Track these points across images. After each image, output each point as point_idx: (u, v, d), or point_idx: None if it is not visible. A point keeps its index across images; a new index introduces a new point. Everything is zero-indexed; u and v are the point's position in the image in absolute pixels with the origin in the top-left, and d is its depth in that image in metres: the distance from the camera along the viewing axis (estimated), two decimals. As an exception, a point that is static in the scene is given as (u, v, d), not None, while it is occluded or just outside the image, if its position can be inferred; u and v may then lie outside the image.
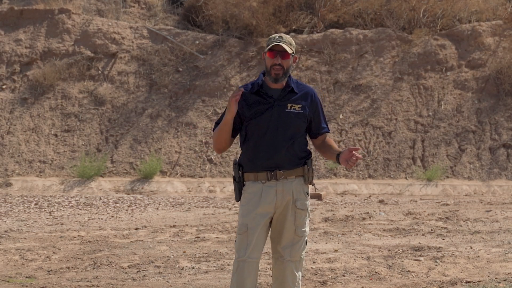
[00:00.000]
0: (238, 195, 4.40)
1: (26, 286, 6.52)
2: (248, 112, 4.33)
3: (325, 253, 7.90)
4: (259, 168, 4.32)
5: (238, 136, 4.48)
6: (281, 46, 4.27)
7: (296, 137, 4.35)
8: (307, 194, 4.42)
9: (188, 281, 6.70)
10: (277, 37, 4.31)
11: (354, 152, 4.28)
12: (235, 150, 15.29)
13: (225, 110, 4.33)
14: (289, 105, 4.33)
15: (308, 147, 4.48)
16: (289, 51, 4.28)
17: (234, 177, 4.41)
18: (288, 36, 4.37)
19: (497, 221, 10.19)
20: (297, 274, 4.36)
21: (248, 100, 4.34)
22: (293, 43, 4.37)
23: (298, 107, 4.35)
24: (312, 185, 4.46)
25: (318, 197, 12.84)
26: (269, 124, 4.31)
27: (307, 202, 4.40)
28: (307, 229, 4.40)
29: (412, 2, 17.26)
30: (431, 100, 15.91)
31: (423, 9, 17.28)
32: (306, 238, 4.41)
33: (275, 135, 4.30)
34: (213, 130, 4.47)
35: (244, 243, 4.28)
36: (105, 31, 17.34)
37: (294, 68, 16.63)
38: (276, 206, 4.32)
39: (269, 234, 4.43)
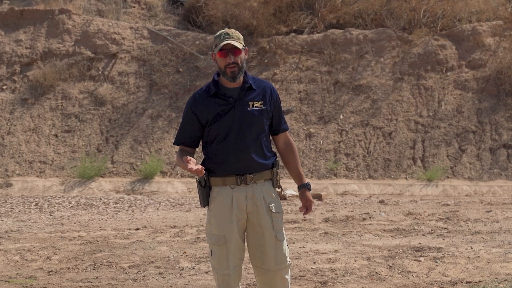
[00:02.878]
0: (206, 201, 4.18)
1: (27, 286, 6.52)
2: (209, 117, 4.13)
3: (325, 253, 7.90)
4: (227, 172, 4.12)
5: None
6: (231, 44, 4.07)
7: (262, 136, 4.17)
8: (278, 196, 4.26)
9: (189, 281, 6.70)
10: (223, 35, 4.10)
11: (304, 208, 4.28)
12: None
13: (181, 129, 4.20)
14: (250, 103, 4.14)
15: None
16: (240, 46, 4.08)
17: (199, 182, 4.17)
18: (234, 30, 4.15)
19: (497, 222, 10.18)
20: (286, 277, 4.23)
21: (207, 104, 4.13)
22: (241, 36, 4.16)
23: (260, 104, 4.16)
24: (279, 188, 4.28)
25: (318, 197, 12.84)
26: (233, 126, 4.11)
27: (280, 205, 4.25)
28: (284, 232, 4.25)
29: (413, 2, 17.26)
30: (432, 101, 15.91)
31: (424, 10, 17.28)
32: (286, 240, 4.26)
33: (241, 136, 4.11)
34: (175, 143, 4.27)
35: (225, 255, 4.11)
36: (105, 32, 17.35)
37: (294, 68, 16.64)
38: (248, 211, 4.13)
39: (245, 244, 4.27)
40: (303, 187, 4.31)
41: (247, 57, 4.22)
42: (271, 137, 4.33)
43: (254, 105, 4.16)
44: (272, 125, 4.28)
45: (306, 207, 4.30)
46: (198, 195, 4.26)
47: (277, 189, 4.28)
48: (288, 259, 4.23)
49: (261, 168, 4.17)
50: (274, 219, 4.17)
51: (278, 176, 4.24)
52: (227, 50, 4.07)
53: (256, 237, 4.17)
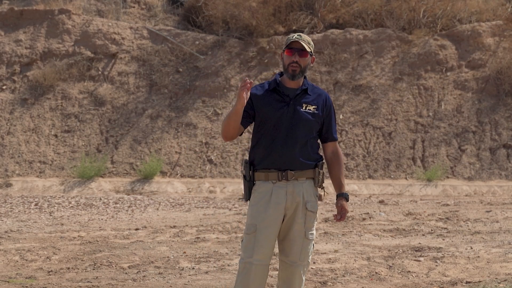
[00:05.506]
0: (248, 194, 4.35)
1: (26, 286, 6.52)
2: (263, 110, 4.31)
3: (325, 253, 7.90)
4: (270, 166, 4.28)
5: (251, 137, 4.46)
6: (300, 43, 4.28)
7: (309, 137, 4.32)
8: (317, 196, 4.41)
9: (188, 281, 6.70)
10: (296, 36, 4.33)
11: (338, 215, 4.45)
12: (235, 150, 15.30)
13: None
14: (304, 105, 4.33)
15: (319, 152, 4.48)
16: (307, 49, 4.29)
17: (244, 176, 4.37)
18: (306, 36, 4.38)
19: (497, 222, 10.19)
20: (303, 278, 4.35)
21: (265, 97, 4.33)
22: (312, 43, 4.37)
23: (313, 108, 4.34)
24: (322, 188, 4.43)
25: (318, 197, 12.84)
26: (284, 122, 4.29)
27: (316, 204, 4.39)
28: (315, 232, 4.39)
29: (412, 2, 17.26)
30: (431, 101, 15.91)
31: (423, 10, 17.28)
32: (314, 241, 4.39)
33: (289, 134, 4.28)
34: None
35: (251, 244, 4.25)
36: (105, 32, 17.35)
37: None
38: (286, 207, 4.28)
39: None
40: (341, 196, 4.49)
41: (312, 65, 4.42)
42: (320, 145, 4.49)
43: (307, 108, 4.34)
44: (322, 132, 4.44)
45: (341, 215, 4.47)
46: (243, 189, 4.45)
47: (319, 189, 4.44)
48: (310, 257, 4.36)
49: (303, 167, 4.32)
50: (308, 217, 4.34)
51: (321, 176, 4.39)
52: (294, 49, 4.29)
53: (286, 231, 4.31)
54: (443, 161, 14.82)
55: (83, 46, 17.17)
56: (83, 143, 15.72)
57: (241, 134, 4.39)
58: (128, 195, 14.06)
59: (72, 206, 12.49)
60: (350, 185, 14.42)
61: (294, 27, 17.43)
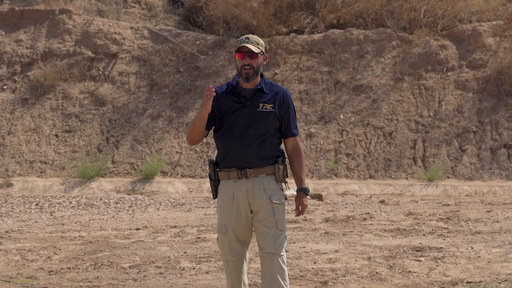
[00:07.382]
0: (215, 193, 4.55)
1: (27, 286, 6.52)
2: (221, 111, 4.47)
3: (326, 253, 7.90)
4: (230, 164, 4.45)
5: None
6: (247, 47, 4.41)
7: (267, 135, 4.46)
8: (282, 190, 4.51)
9: (189, 281, 6.70)
10: (244, 39, 4.46)
11: (297, 210, 4.53)
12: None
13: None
14: (261, 104, 4.46)
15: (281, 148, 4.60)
16: (256, 51, 4.41)
17: (209, 176, 4.57)
18: (255, 36, 4.51)
19: (498, 222, 10.19)
20: (284, 268, 4.44)
21: (222, 99, 4.48)
22: (261, 42, 4.50)
23: (270, 106, 4.47)
24: (285, 183, 4.52)
25: (319, 197, 12.84)
26: (240, 122, 4.44)
27: (282, 196, 4.49)
28: (285, 223, 4.51)
29: (413, 2, 17.26)
30: (432, 101, 15.91)
31: (424, 10, 17.28)
32: (285, 232, 4.51)
33: (246, 133, 4.42)
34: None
35: (226, 242, 4.47)
36: (106, 32, 17.35)
37: (295, 68, 16.64)
38: (250, 203, 4.43)
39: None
40: (300, 191, 4.58)
41: (265, 63, 4.57)
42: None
43: (264, 107, 4.48)
44: (282, 128, 4.56)
45: (299, 210, 4.56)
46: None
47: (283, 184, 4.53)
48: (284, 250, 4.48)
49: (261, 164, 4.46)
50: (275, 210, 4.46)
51: (281, 172, 4.48)
52: (244, 52, 4.44)
53: (259, 226, 4.46)
54: (444, 161, 14.82)
55: (83, 46, 17.18)
56: (84, 143, 15.73)
57: (206, 136, 4.54)
58: (129, 195, 14.07)
59: (72, 206, 12.50)
60: (350, 185, 14.42)
61: (295, 27, 17.44)
